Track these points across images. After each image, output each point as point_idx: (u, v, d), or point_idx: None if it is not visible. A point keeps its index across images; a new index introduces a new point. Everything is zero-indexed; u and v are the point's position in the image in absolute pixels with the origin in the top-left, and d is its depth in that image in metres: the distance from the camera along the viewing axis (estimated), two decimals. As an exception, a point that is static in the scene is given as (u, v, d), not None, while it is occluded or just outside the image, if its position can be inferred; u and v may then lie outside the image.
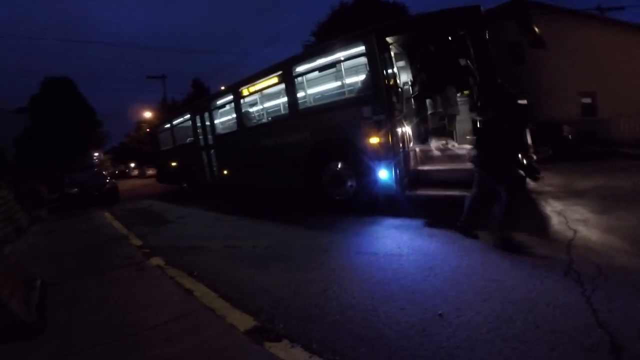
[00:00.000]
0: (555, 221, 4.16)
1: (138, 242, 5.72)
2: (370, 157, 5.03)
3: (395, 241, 3.98)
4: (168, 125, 11.85)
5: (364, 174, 5.16)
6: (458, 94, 5.94)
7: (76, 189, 12.40)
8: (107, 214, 9.62)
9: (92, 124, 28.87)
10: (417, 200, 4.92)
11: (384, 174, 4.89)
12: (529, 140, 5.98)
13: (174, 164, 11.48)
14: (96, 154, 49.57)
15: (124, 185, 24.05)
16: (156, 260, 4.49)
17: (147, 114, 30.76)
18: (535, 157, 5.62)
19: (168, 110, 21.26)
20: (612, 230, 3.70)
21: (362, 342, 2.19)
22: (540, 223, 4.16)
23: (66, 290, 3.82)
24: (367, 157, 5.07)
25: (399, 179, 4.81)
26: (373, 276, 3.14)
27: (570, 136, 10.51)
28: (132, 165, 44.06)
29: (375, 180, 5.02)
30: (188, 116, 10.30)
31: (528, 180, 5.84)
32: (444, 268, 3.10)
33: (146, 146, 26.81)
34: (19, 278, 3.53)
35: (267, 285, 3.30)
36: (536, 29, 4.14)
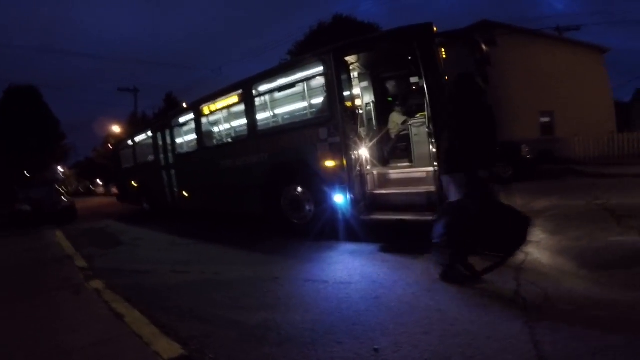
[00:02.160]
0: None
1: (83, 264, 5.43)
2: (327, 181, 4.96)
3: (347, 268, 3.89)
4: (130, 142, 11.51)
5: (321, 198, 5.08)
6: (417, 115, 6.03)
7: (28, 207, 11.68)
8: (58, 233, 9.08)
9: (55, 136, 27.77)
10: (373, 224, 4.87)
11: (339, 199, 4.83)
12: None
13: (134, 183, 11.09)
14: (60, 169, 47.47)
15: (86, 203, 23.10)
16: (96, 284, 4.26)
17: (116, 129, 29.87)
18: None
19: (136, 126, 20.75)
20: (563, 251, 3.77)
21: (292, 380, 2.05)
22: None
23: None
24: (323, 181, 5.01)
25: (354, 204, 4.75)
26: (318, 306, 3.02)
27: (528, 156, 10.84)
28: (99, 182, 42.31)
29: (331, 205, 4.95)
30: (150, 134, 10.01)
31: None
32: (390, 297, 3.02)
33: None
34: None
35: (207, 313, 3.14)
36: (483, 47, 4.23)
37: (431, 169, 4.57)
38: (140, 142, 10.89)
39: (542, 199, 6.80)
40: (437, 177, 4.22)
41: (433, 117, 4.26)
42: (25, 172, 22.17)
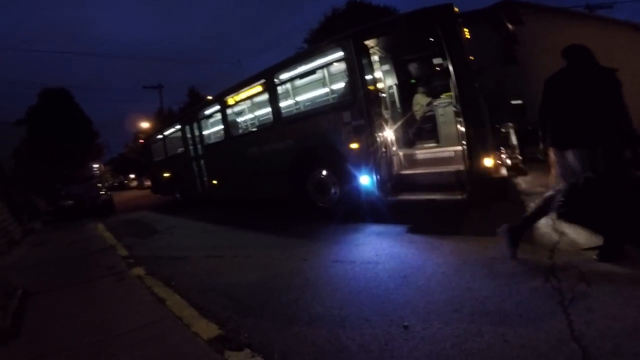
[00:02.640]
0: (542, 223, 3.89)
1: (124, 253, 5.75)
2: (352, 163, 4.96)
3: (374, 248, 3.90)
4: (160, 136, 11.87)
5: (347, 180, 5.09)
6: (442, 96, 5.88)
7: (71, 202, 12.39)
8: (99, 226, 9.61)
9: (89, 134, 28.96)
10: (400, 205, 4.85)
11: (365, 180, 4.82)
12: (514, 141, 5.95)
13: (166, 174, 11.45)
14: (96, 165, 49.66)
15: (122, 196, 24.14)
16: (138, 271, 4.52)
17: (144, 124, 30.79)
18: (520, 158, 5.60)
19: (164, 120, 21.32)
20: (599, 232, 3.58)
21: (322, 356, 2.12)
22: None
23: (47, 299, 3.96)
24: (348, 163, 5.01)
25: (380, 185, 4.73)
26: (346, 285, 3.06)
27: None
28: (132, 176, 44.05)
29: (357, 187, 4.95)
30: (178, 127, 10.30)
31: (517, 179, 5.79)
32: (418, 276, 3.01)
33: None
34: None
35: (241, 294, 3.29)
36: (509, 26, 4.07)
37: (459, 147, 4.47)
38: (169, 135, 11.21)
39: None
40: (466, 155, 4.14)
41: (460, 97, 4.14)
42: (66, 171, 23.32)
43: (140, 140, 18.94)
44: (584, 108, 2.88)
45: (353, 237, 4.47)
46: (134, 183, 39.33)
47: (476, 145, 4.06)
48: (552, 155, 3.12)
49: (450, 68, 4.14)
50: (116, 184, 49.87)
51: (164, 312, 3.10)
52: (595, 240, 3.25)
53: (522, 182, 6.17)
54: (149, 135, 14.48)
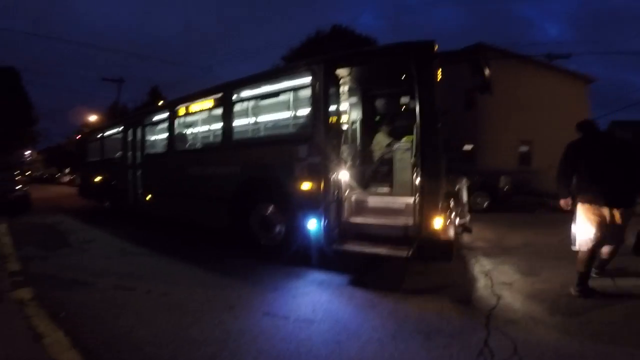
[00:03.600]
0: (482, 284, 4.06)
1: (16, 267, 4.87)
2: (301, 204, 4.57)
3: (313, 302, 3.52)
4: (99, 135, 10.85)
5: (294, 221, 4.68)
6: (403, 139, 5.73)
7: (-24, 192, 10.73)
8: (2, 226, 8.28)
9: (26, 120, 26.41)
10: (348, 254, 4.51)
11: (313, 224, 4.43)
12: (465, 198, 5.94)
13: (98, 178, 10.38)
14: (27, 152, 45.07)
15: (47, 191, 21.90)
16: (23, 293, 3.78)
17: (93, 118, 28.59)
18: (469, 217, 5.58)
19: (113, 118, 19.82)
20: (536, 295, 3.64)
21: None
22: (465, 286, 4.03)
23: None
24: (297, 203, 4.61)
25: (328, 231, 4.36)
26: (273, 347, 2.64)
27: (506, 187, 10.89)
28: (67, 170, 40.28)
29: (304, 230, 4.54)
30: (121, 128, 9.37)
31: (463, 234, 5.80)
32: (353, 343, 2.69)
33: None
34: None
35: (144, 341, 2.74)
36: (487, 74, 4.00)
37: (411, 199, 4.26)
38: (110, 136, 10.22)
39: (515, 234, 6.81)
40: (418, 209, 3.94)
41: (420, 144, 3.93)
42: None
43: (77, 136, 17.37)
44: (619, 172, 3.43)
45: (292, 285, 4.05)
46: (66, 178, 35.75)
47: (428, 202, 3.89)
48: (580, 209, 3.62)
49: (417, 109, 3.93)
50: (45, 175, 45.33)
51: (36, 352, 2.53)
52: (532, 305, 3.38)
53: (465, 236, 6.19)
54: (89, 131, 13.24)
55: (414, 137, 4.42)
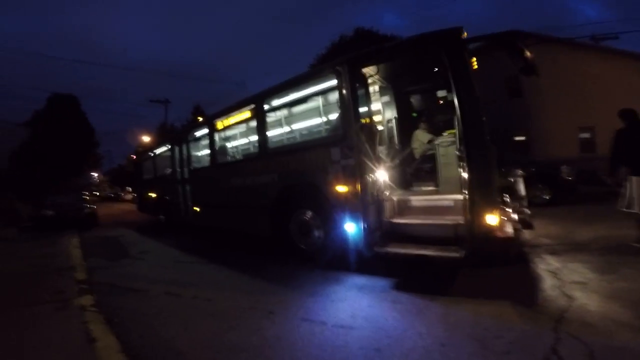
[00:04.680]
0: (548, 284, 3.60)
1: (82, 276, 5.26)
2: (338, 207, 4.47)
3: (352, 307, 3.39)
4: (151, 154, 11.56)
5: (332, 225, 4.60)
6: (444, 133, 5.46)
7: (51, 212, 11.92)
8: (74, 240, 9.10)
9: (89, 143, 28.86)
10: (388, 256, 4.33)
11: (351, 227, 4.32)
12: (522, 191, 5.46)
13: (152, 194, 11.05)
14: (95, 174, 49.39)
15: (112, 209, 23.71)
16: (85, 300, 4.07)
17: (146, 138, 30.66)
18: (529, 212, 5.10)
19: (159, 137, 21.10)
20: (617, 295, 3.17)
21: None
22: (529, 287, 3.59)
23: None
24: (334, 207, 4.52)
25: (368, 234, 4.22)
26: (308, 354, 2.56)
27: (569, 177, 9.76)
28: (129, 189, 43.59)
29: (343, 233, 4.44)
30: (169, 146, 9.93)
31: (523, 231, 5.30)
32: (395, 350, 2.52)
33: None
34: None
35: (185, 346, 2.82)
36: (527, 54, 3.63)
37: (460, 196, 3.98)
38: (160, 154, 10.87)
39: (585, 228, 6.08)
40: (468, 205, 3.64)
41: (464, 137, 3.68)
42: (52, 179, 22.93)
43: (132, 156, 18.67)
44: None
45: (331, 290, 3.96)
46: (129, 196, 38.77)
47: (479, 197, 3.58)
48: (629, 182, 4.83)
49: (455, 101, 3.69)
50: (112, 194, 49.45)
51: (88, 355, 2.66)
52: (613, 307, 2.92)
53: (526, 233, 5.71)
54: (141, 151, 14.21)
55: (455, 130, 4.17)
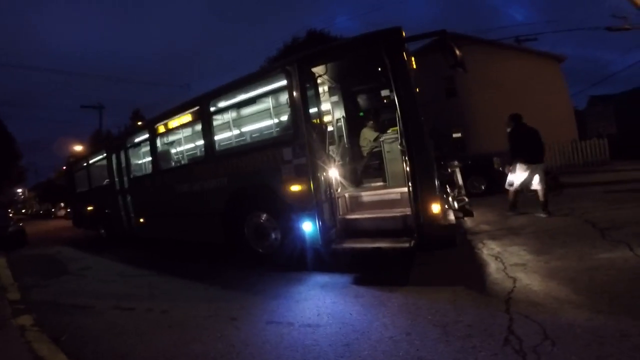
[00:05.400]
0: (493, 268, 3.88)
1: (16, 296, 4.87)
2: (293, 207, 4.47)
3: (316, 305, 3.41)
4: (84, 164, 10.65)
5: (288, 226, 4.58)
6: (389, 131, 5.68)
7: (-29, 232, 10.61)
8: (1, 260, 8.22)
9: (8, 155, 26.01)
10: (345, 253, 4.42)
11: (308, 227, 4.32)
12: (460, 181, 5.88)
13: (89, 207, 10.24)
14: (19, 190, 44.70)
15: (44, 226, 21.73)
16: (24, 319, 3.78)
17: (78, 148, 28.33)
18: (467, 200, 5.50)
19: (92, 146, 19.62)
20: (554, 274, 3.46)
21: None
22: (477, 272, 3.85)
23: None
24: (289, 207, 4.51)
25: (324, 232, 4.26)
26: (279, 356, 2.54)
27: (500, 168, 10.73)
28: (62, 204, 40.02)
29: (299, 233, 4.45)
30: (105, 154, 9.17)
31: (464, 219, 5.71)
32: (363, 344, 2.56)
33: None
34: None
35: None
36: (457, 51, 3.93)
37: (405, 189, 4.19)
38: (95, 163, 10.06)
39: (518, 215, 6.64)
40: (413, 197, 3.84)
41: (405, 132, 3.87)
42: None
43: (63, 167, 17.19)
44: (536, 146, 6.48)
45: (294, 290, 3.94)
46: (61, 212, 35.53)
47: (422, 188, 3.79)
48: (517, 167, 6.53)
49: (396, 99, 3.87)
50: (41, 211, 45.10)
51: None
52: (553, 285, 3.17)
53: (467, 220, 6.11)
54: (73, 162, 13.04)
55: (397, 128, 4.37)
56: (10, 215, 13.35)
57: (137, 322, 3.53)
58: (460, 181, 5.86)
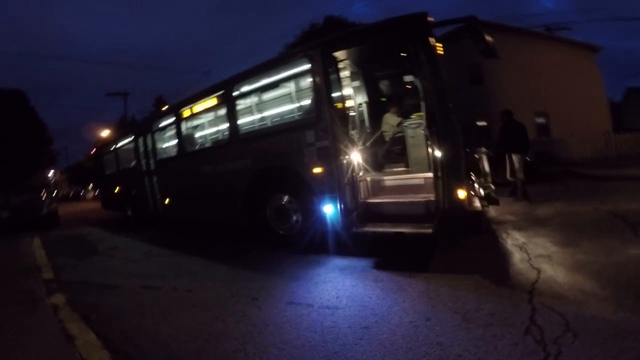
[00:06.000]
0: (517, 258, 3.81)
1: (49, 276, 5.01)
2: (314, 189, 4.49)
3: (336, 288, 3.44)
4: (112, 148, 10.98)
5: (309, 208, 4.61)
6: (412, 116, 5.58)
7: (6, 213, 11.12)
8: (35, 241, 8.56)
9: (41, 140, 27.09)
10: (366, 236, 4.40)
11: (329, 209, 4.34)
12: (487, 168, 5.74)
13: (117, 189, 10.58)
14: (51, 173, 46.73)
15: (74, 208, 22.62)
16: (57, 298, 3.88)
17: (105, 133, 29.22)
18: (493, 188, 5.36)
19: (119, 130, 20.20)
20: (580, 267, 3.37)
21: None
22: (500, 261, 3.79)
23: None
24: (311, 189, 4.53)
25: (345, 214, 4.27)
26: (299, 337, 2.58)
27: (527, 158, 10.45)
28: (90, 187, 41.55)
29: (321, 216, 4.47)
30: (132, 138, 9.46)
31: (489, 208, 5.59)
32: (382, 327, 2.58)
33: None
34: None
35: (170, 338, 2.76)
36: (488, 38, 3.80)
37: (429, 174, 4.12)
38: (122, 147, 10.36)
39: (546, 205, 6.50)
40: (438, 182, 3.77)
41: (432, 119, 3.80)
42: (3, 179, 21.42)
43: (91, 151, 17.75)
44: (522, 138, 7.44)
45: (314, 273, 3.98)
46: (90, 195, 36.98)
47: (448, 174, 3.72)
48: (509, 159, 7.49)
49: (422, 85, 3.82)
50: (71, 194, 46.98)
51: (68, 353, 2.54)
52: (578, 278, 3.09)
53: (491, 209, 5.99)
54: (102, 145, 13.46)
55: (422, 113, 4.28)
56: (44, 197, 13.90)
57: (163, 301, 3.64)
58: (487, 168, 5.70)
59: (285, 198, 5.03)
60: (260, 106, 6.02)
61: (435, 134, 3.77)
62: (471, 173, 5.01)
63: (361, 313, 2.84)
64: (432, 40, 3.77)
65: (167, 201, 7.90)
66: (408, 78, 5.87)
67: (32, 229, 10.71)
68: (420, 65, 3.82)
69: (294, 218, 4.97)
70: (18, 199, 12.35)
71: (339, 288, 3.43)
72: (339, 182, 4.27)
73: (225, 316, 3.05)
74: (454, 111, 3.88)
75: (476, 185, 4.84)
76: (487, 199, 5.07)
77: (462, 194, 3.70)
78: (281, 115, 5.86)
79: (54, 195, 14.63)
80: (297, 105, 5.43)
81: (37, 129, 26.56)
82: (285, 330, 2.69)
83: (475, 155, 5.47)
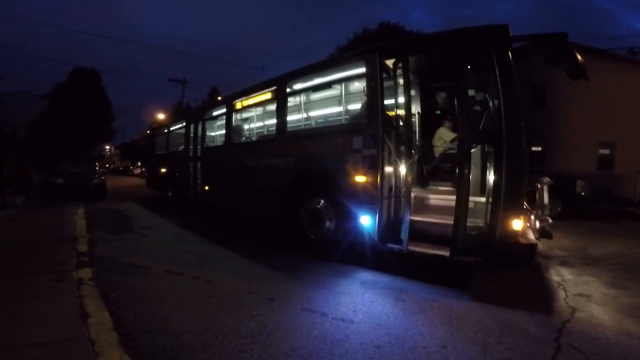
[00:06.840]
0: (555, 295, 3.60)
1: (84, 249, 5.13)
2: (354, 199, 4.31)
3: (354, 301, 3.29)
4: (165, 130, 11.56)
5: (345, 216, 4.45)
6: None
7: (61, 180, 11.98)
8: (80, 211, 9.07)
9: (106, 117, 29.12)
10: (400, 254, 4.16)
11: (365, 220, 4.16)
12: (546, 199, 5.29)
13: (163, 170, 11.06)
14: (107, 147, 50.06)
15: (121, 181, 23.96)
16: (84, 273, 3.92)
17: (161, 116, 30.83)
18: (550, 221, 4.97)
19: (174, 115, 21.20)
20: (621, 310, 3.16)
21: None
22: (536, 296, 3.57)
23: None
24: (350, 198, 4.36)
25: (382, 228, 4.06)
26: (307, 345, 2.46)
27: (583, 193, 9.59)
28: (138, 164, 44.14)
29: (355, 226, 4.30)
30: (184, 123, 9.88)
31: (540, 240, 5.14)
32: (394, 349, 2.42)
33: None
34: None
35: (181, 328, 2.73)
36: (578, 57, 3.44)
37: (481, 199, 3.82)
38: (174, 131, 10.84)
39: (598, 244, 6.07)
40: (492, 209, 3.48)
41: (502, 140, 3.48)
42: (67, 150, 23.17)
43: (148, 131, 18.79)
44: None
45: (335, 282, 3.85)
46: (138, 170, 39.30)
47: (507, 201, 3.42)
48: None
49: (494, 103, 3.57)
50: (121, 167, 50.34)
51: (79, 330, 2.54)
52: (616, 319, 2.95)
53: (540, 242, 5.58)
54: (157, 127, 14.26)
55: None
56: (96, 169, 14.86)
57: (182, 288, 3.64)
58: (547, 200, 5.26)
59: (322, 202, 4.92)
60: (310, 106, 6.03)
61: (504, 157, 3.47)
62: (530, 203, 4.63)
63: (375, 331, 2.69)
64: (511, 55, 3.50)
65: (206, 187, 8.10)
66: (470, 92, 5.60)
67: (81, 198, 11.44)
68: (493, 81, 3.56)
69: (327, 224, 4.84)
70: (73, 169, 13.31)
71: (357, 302, 3.28)
72: (381, 194, 4.07)
73: (238, 313, 2.99)
74: (525, 133, 3.55)
75: (532, 217, 4.46)
76: (540, 232, 4.67)
77: (518, 224, 3.42)
78: (329, 117, 5.81)
79: (106, 167, 15.56)
80: (347, 109, 5.34)
81: (105, 107, 28.51)
82: (295, 337, 2.58)
83: (537, 185, 5.06)
